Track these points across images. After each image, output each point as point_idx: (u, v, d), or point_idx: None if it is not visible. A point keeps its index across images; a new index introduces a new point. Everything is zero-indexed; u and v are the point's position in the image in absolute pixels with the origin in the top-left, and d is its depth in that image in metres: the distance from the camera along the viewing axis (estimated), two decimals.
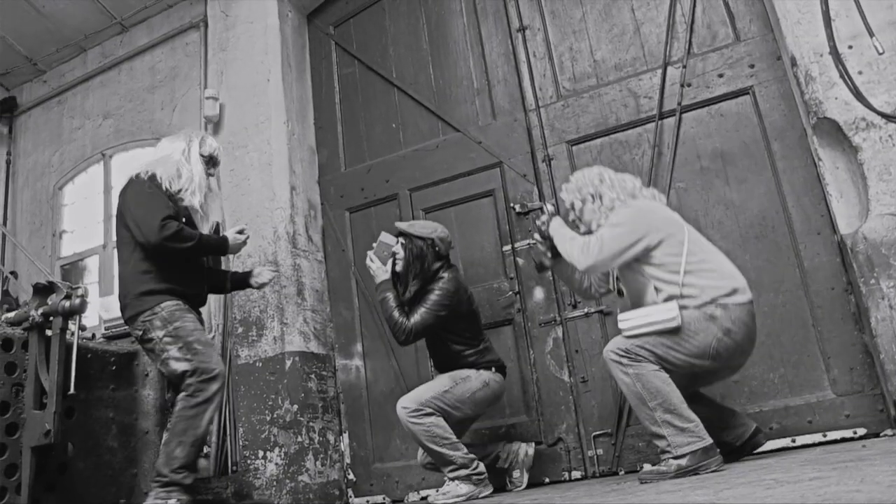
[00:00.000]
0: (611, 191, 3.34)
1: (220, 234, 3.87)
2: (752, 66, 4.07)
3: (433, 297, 3.70)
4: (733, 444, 3.27)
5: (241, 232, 3.80)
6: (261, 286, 4.04)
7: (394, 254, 3.83)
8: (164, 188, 3.51)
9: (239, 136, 5.19)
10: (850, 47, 3.56)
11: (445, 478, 3.61)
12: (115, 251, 3.62)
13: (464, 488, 3.54)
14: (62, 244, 6.69)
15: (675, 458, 2.91)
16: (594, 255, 3.18)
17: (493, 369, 3.81)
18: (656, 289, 3.13)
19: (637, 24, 4.43)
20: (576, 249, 3.26)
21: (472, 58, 4.96)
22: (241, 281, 4.01)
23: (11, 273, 6.49)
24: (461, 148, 4.80)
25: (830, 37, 3.58)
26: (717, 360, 3.02)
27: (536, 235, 3.65)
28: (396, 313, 3.65)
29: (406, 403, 3.59)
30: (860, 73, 3.51)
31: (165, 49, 6.32)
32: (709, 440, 2.94)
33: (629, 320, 3.10)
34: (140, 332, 3.39)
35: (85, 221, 6.64)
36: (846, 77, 3.52)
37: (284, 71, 5.27)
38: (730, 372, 3.25)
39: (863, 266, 3.37)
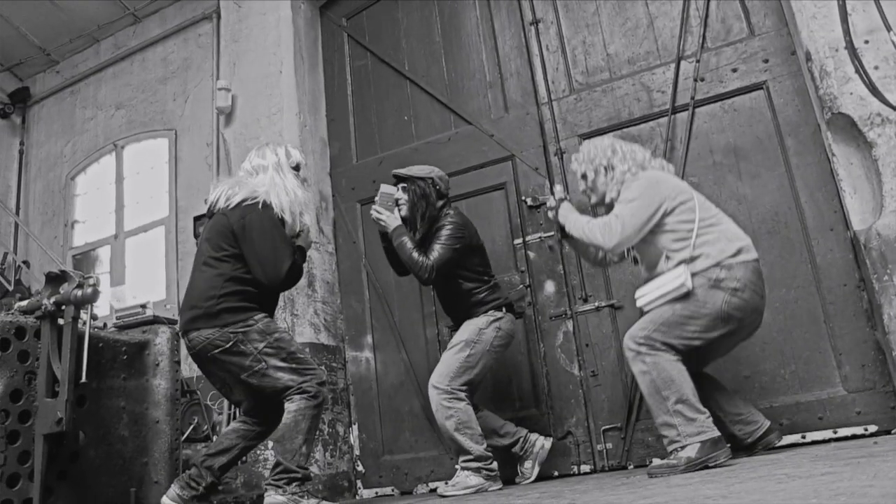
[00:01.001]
0: (622, 163, 3.38)
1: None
2: (766, 61, 4.04)
3: (445, 231, 3.75)
4: (744, 439, 3.27)
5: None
6: None
7: (397, 200, 3.88)
8: (279, 216, 3.38)
9: (251, 127, 5.19)
10: (867, 42, 3.53)
11: (458, 467, 3.62)
12: (203, 262, 3.40)
13: (473, 480, 3.54)
14: (74, 234, 6.73)
15: (684, 447, 2.94)
16: (618, 234, 3.21)
17: (504, 309, 3.83)
18: (667, 257, 3.18)
19: (651, 18, 4.41)
20: (597, 233, 3.28)
21: (484, 51, 4.95)
22: None
23: (24, 262, 6.53)
24: (473, 141, 4.79)
25: (847, 31, 3.55)
26: (731, 321, 3.06)
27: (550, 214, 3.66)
28: (416, 254, 3.69)
29: (438, 383, 3.66)
30: (876, 67, 3.49)
31: (178, 40, 6.34)
32: (717, 432, 2.97)
33: (644, 296, 3.19)
34: (228, 344, 3.24)
35: (97, 212, 6.68)
36: (862, 72, 3.50)
37: (297, 63, 5.27)
38: (747, 333, 3.24)
39: (876, 262, 3.35)
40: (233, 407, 4.79)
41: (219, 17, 5.83)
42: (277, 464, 3.17)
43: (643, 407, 3.96)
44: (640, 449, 3.95)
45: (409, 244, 3.73)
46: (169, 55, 6.38)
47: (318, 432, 3.38)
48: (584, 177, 3.50)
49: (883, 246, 3.33)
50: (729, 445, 3.00)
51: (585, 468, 4.06)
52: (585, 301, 4.23)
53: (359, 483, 4.71)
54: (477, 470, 3.57)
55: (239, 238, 3.32)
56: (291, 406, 3.20)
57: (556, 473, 4.10)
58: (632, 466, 3.93)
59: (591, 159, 3.46)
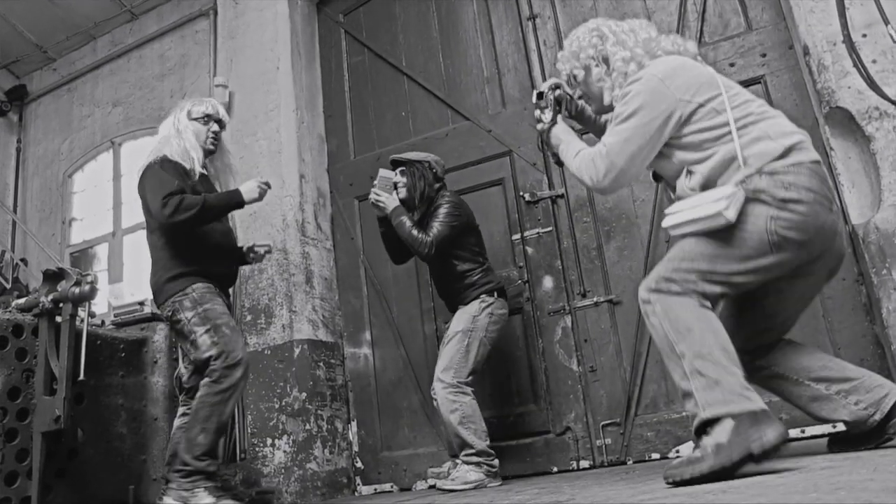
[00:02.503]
0: (619, 49, 2.53)
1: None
2: (763, 56, 4.04)
3: (443, 210, 3.86)
4: (866, 418, 2.31)
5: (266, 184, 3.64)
6: (256, 260, 3.87)
7: (395, 184, 3.97)
8: (179, 166, 3.46)
9: (248, 124, 5.19)
10: (865, 36, 3.53)
11: (458, 461, 3.64)
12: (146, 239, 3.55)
13: (473, 476, 3.55)
14: (72, 231, 6.72)
15: (711, 424, 2.09)
16: (603, 172, 2.44)
17: (495, 294, 3.88)
18: (688, 171, 2.38)
19: (648, 13, 4.40)
20: (584, 172, 2.52)
21: (482, 46, 4.94)
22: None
23: (22, 260, 6.52)
24: (471, 136, 4.79)
25: (844, 25, 3.55)
26: (787, 249, 2.19)
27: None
28: (415, 231, 3.79)
29: (444, 377, 3.69)
30: (874, 61, 3.48)
31: (175, 37, 6.33)
32: (759, 402, 2.09)
33: (672, 214, 2.33)
34: (169, 313, 3.36)
35: (94, 209, 6.68)
36: (860, 66, 3.49)
37: (294, 59, 5.26)
38: (824, 266, 2.35)
39: (874, 256, 3.35)
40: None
41: (215, 14, 5.81)
42: (174, 454, 3.25)
43: (642, 402, 3.97)
44: (639, 444, 3.95)
45: (409, 222, 3.82)
46: (166, 52, 6.36)
47: (222, 420, 3.24)
48: (573, 78, 2.69)
49: (881, 240, 3.33)
50: (782, 424, 2.07)
51: (584, 464, 4.06)
52: (584, 296, 4.23)
53: (358, 479, 4.71)
54: (478, 465, 3.58)
55: (142, 203, 3.46)
56: (200, 392, 3.24)
57: (554, 469, 4.10)
58: (631, 462, 3.93)
59: (575, 54, 2.65)
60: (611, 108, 2.57)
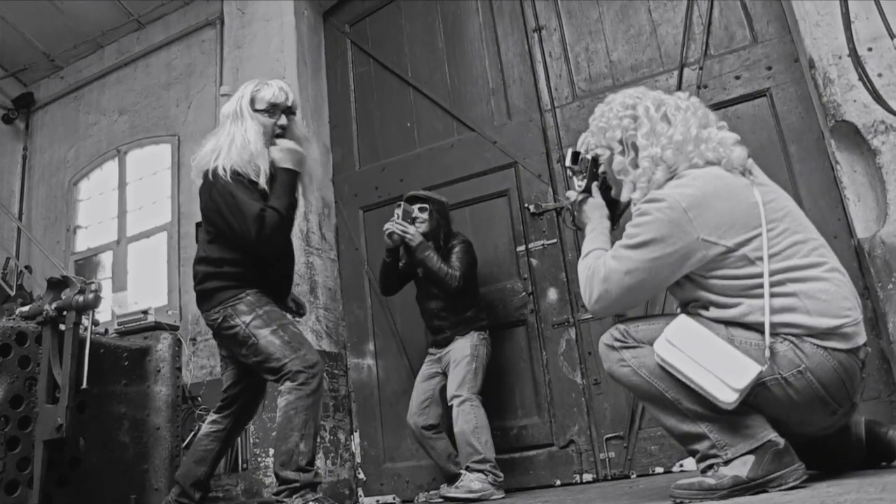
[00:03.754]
0: (651, 142, 2.14)
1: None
2: (769, 69, 4.03)
3: (462, 248, 4.04)
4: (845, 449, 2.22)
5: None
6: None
7: (414, 219, 4.06)
8: (246, 177, 3.00)
9: None
10: (870, 49, 3.52)
11: (463, 469, 3.68)
12: (201, 246, 3.18)
13: (477, 485, 3.56)
14: (76, 239, 6.73)
15: (729, 462, 1.95)
16: (594, 297, 2.15)
17: (487, 331, 4.07)
18: (704, 306, 2.07)
19: (654, 25, 4.41)
20: (580, 280, 2.22)
21: (487, 57, 4.94)
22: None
23: (26, 267, 6.54)
24: (476, 147, 4.79)
25: (850, 39, 3.54)
26: (757, 407, 1.98)
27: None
28: (444, 265, 3.91)
29: (461, 392, 3.80)
30: (880, 75, 3.48)
31: (181, 46, 6.35)
32: (779, 438, 1.95)
33: (673, 348, 1.99)
34: (219, 318, 3.03)
35: (99, 217, 6.69)
36: (865, 79, 3.48)
37: (300, 69, 5.27)
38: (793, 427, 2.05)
39: (880, 271, 3.33)
40: None
41: (222, 24, 5.84)
42: (276, 476, 2.88)
43: (646, 415, 3.94)
44: (642, 458, 3.93)
45: (435, 256, 3.94)
46: (172, 61, 6.38)
47: (318, 424, 2.97)
48: (596, 158, 2.33)
49: (887, 254, 3.31)
50: (801, 464, 1.96)
51: (588, 477, 4.04)
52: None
53: (360, 491, 4.69)
54: (484, 472, 3.62)
55: (214, 215, 3.04)
56: (280, 401, 2.90)
57: (558, 482, 4.08)
58: (634, 475, 3.91)
59: (602, 129, 2.28)
60: (625, 204, 2.28)
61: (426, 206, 4.12)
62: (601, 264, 2.12)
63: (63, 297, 3.30)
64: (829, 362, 1.91)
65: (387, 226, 4.01)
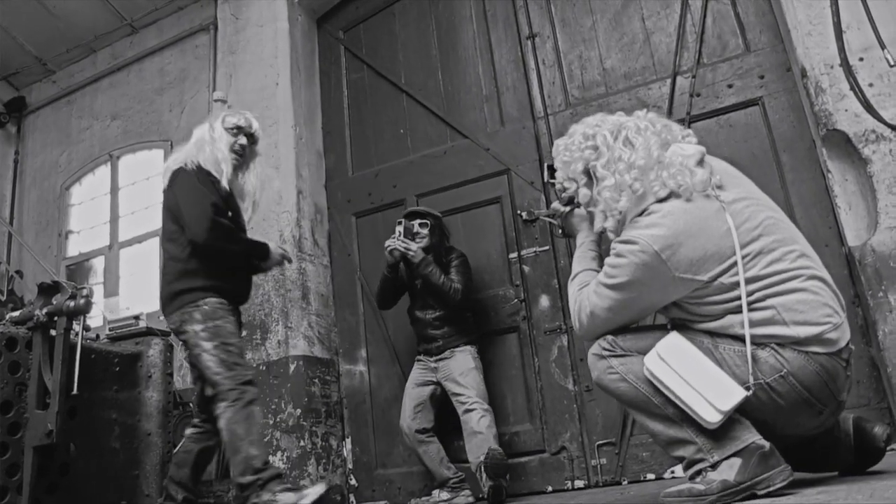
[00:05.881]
0: (610, 172, 2.16)
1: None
2: (761, 77, 4.06)
3: (460, 262, 4.15)
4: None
5: (283, 252, 3.68)
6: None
7: (415, 234, 4.12)
8: (209, 175, 3.37)
9: None
10: (861, 59, 3.55)
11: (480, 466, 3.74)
12: (160, 245, 3.48)
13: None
14: (68, 244, 6.70)
15: (716, 465, 1.97)
16: (583, 327, 2.23)
17: (477, 346, 4.15)
18: (685, 326, 2.13)
19: (647, 34, 4.42)
20: (570, 305, 2.29)
21: (481, 65, 4.95)
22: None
23: (17, 272, 6.50)
24: (469, 154, 4.79)
25: (842, 48, 3.56)
26: (746, 411, 1.99)
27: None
28: (445, 280, 4.01)
29: (485, 403, 3.91)
30: (871, 85, 3.50)
31: (175, 51, 6.34)
32: (763, 441, 1.97)
33: (663, 364, 2.03)
34: (177, 324, 3.27)
35: (91, 222, 6.66)
36: (857, 89, 3.51)
37: (293, 75, 5.27)
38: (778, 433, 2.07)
39: (871, 279, 3.35)
40: None
41: (216, 29, 5.83)
42: (239, 486, 3.07)
43: (637, 422, 3.94)
44: (634, 464, 3.93)
45: (438, 271, 4.01)
46: (166, 66, 6.37)
47: (260, 428, 3.18)
48: (562, 189, 2.39)
49: (878, 262, 3.33)
50: (787, 466, 1.97)
51: (579, 483, 4.04)
52: None
53: (351, 497, 4.68)
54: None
55: (174, 211, 3.35)
56: (221, 422, 3.10)
57: (549, 489, 4.08)
58: (626, 482, 3.91)
59: (566, 163, 2.31)
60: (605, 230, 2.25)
61: (426, 221, 4.17)
62: (585, 298, 2.19)
63: (54, 303, 3.29)
64: (811, 366, 1.95)
65: (388, 243, 4.07)
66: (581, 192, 2.27)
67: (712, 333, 2.05)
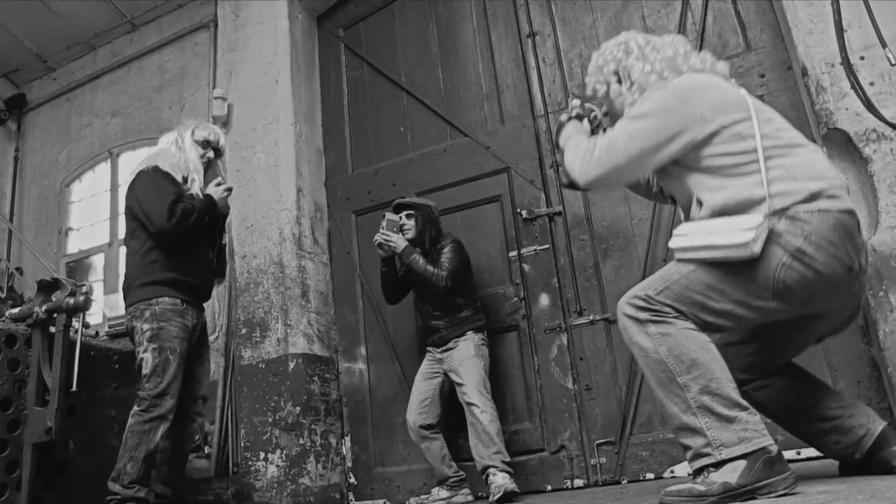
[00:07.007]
0: (642, 62, 2.38)
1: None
2: (762, 76, 4.05)
3: (450, 248, 4.07)
4: (849, 454, 2.27)
5: (218, 185, 3.69)
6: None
7: (401, 226, 4.15)
8: (170, 176, 3.51)
9: (246, 136, 5.18)
10: (862, 58, 3.54)
11: (491, 464, 3.71)
12: (123, 245, 3.57)
13: (510, 485, 3.63)
14: (68, 241, 6.69)
15: (719, 465, 1.98)
16: (594, 164, 2.28)
17: (485, 332, 4.10)
18: (699, 201, 2.18)
19: (647, 31, 4.41)
20: (577, 158, 2.34)
21: (481, 63, 4.94)
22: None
23: (17, 269, 6.50)
24: (469, 152, 4.79)
25: (843, 47, 3.55)
26: (789, 301, 2.04)
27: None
28: (430, 267, 3.98)
29: (485, 393, 3.86)
30: (872, 83, 3.49)
31: (175, 49, 6.33)
32: (772, 442, 1.99)
33: (682, 237, 2.15)
34: (129, 318, 3.37)
35: (91, 219, 6.65)
36: (858, 88, 3.50)
37: (293, 72, 5.27)
38: (829, 324, 2.24)
39: (871, 279, 3.34)
40: (224, 418, 4.76)
41: (216, 26, 5.82)
42: (108, 485, 3.17)
43: (637, 421, 3.95)
44: (633, 464, 3.93)
45: (421, 259, 4.00)
46: (165, 63, 6.36)
47: (153, 447, 3.20)
48: (594, 94, 2.56)
49: (878, 262, 3.32)
50: (792, 472, 1.99)
51: (579, 482, 4.03)
52: (580, 314, 4.22)
53: (351, 495, 4.68)
54: (507, 472, 3.70)
55: (132, 208, 3.46)
56: (129, 420, 3.21)
57: (548, 488, 4.07)
58: (625, 481, 3.91)
59: (599, 67, 2.51)
60: None
61: (412, 212, 4.18)
62: (600, 139, 2.31)
63: (53, 300, 3.30)
64: (829, 220, 2.00)
65: (374, 238, 4.11)
66: (612, 89, 2.48)
67: (721, 214, 2.11)
